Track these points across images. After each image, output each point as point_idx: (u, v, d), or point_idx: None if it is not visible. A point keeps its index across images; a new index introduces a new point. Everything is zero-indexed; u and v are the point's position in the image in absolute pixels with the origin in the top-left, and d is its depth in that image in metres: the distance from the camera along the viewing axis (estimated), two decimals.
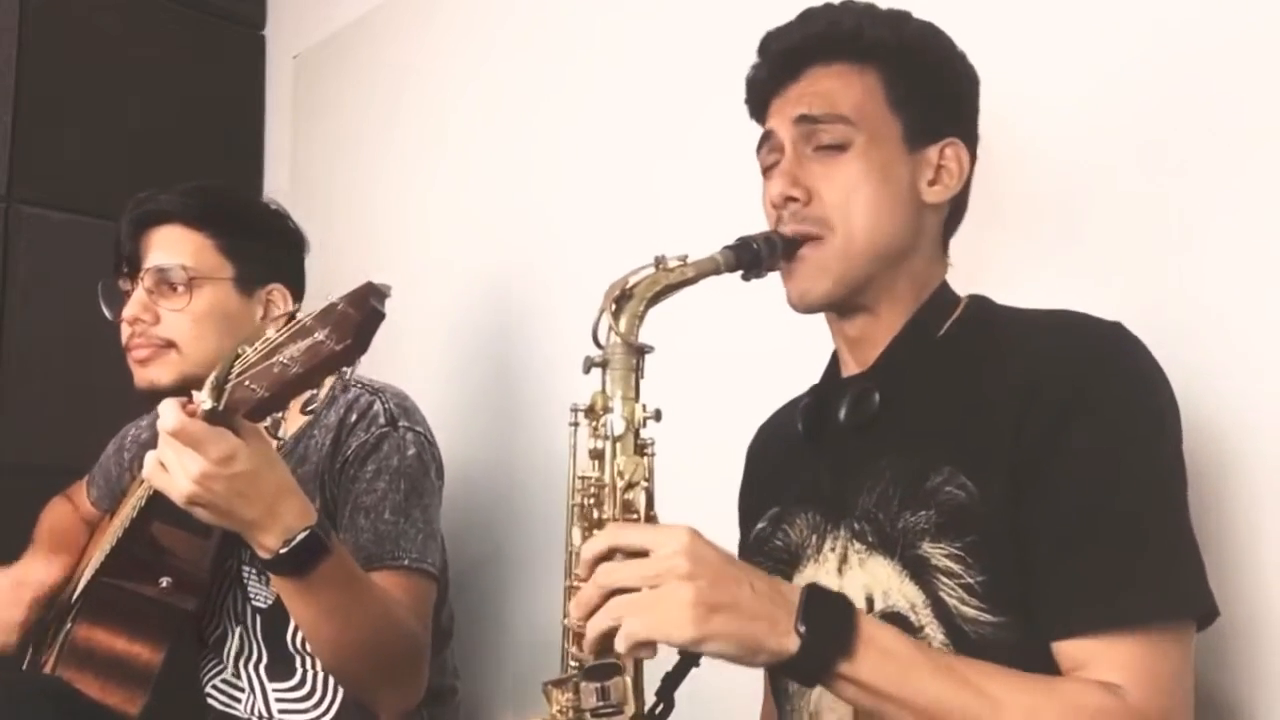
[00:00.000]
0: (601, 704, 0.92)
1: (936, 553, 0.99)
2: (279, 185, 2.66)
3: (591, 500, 0.98)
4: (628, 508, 0.96)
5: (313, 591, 1.24)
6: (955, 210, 1.16)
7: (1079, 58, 1.32)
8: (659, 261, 1.03)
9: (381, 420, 1.53)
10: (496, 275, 2.11)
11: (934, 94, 1.12)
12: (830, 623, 0.89)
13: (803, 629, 0.87)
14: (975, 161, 1.14)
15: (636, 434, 0.98)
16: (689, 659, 1.08)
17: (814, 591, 0.91)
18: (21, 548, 1.81)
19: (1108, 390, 0.96)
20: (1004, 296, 1.14)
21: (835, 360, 1.20)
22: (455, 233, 2.22)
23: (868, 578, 1.04)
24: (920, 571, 1.00)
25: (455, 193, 2.23)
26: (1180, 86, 1.24)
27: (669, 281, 1.03)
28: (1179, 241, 1.23)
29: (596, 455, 0.98)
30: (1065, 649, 0.92)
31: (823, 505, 1.11)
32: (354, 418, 1.53)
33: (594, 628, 0.89)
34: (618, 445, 0.97)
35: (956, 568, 0.97)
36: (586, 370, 1.01)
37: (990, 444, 0.98)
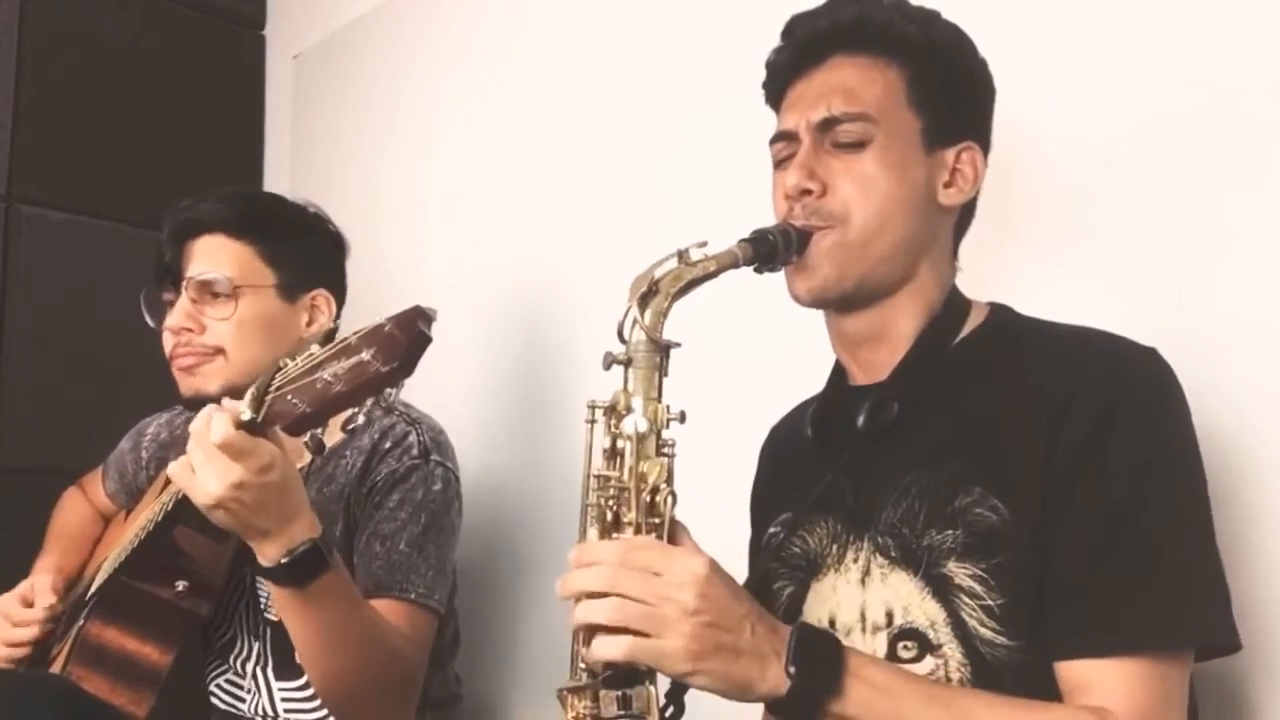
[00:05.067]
0: (623, 713, 0.90)
1: (961, 572, 0.99)
2: (279, 185, 2.66)
3: (611, 501, 0.96)
4: (651, 511, 0.95)
5: (310, 605, 1.24)
6: (964, 215, 1.16)
7: (1088, 60, 1.33)
8: (681, 254, 1.02)
9: (415, 452, 1.53)
10: (498, 275, 2.11)
11: (955, 96, 1.12)
12: (819, 663, 0.89)
13: (792, 670, 0.88)
14: (986, 164, 1.14)
15: (658, 435, 0.97)
16: None
17: (804, 632, 0.91)
18: (21, 547, 1.82)
19: (1144, 417, 0.96)
20: (1011, 301, 1.14)
21: (840, 366, 1.19)
22: (456, 232, 2.22)
23: (889, 593, 1.04)
24: (942, 590, 1.00)
25: (455, 192, 2.23)
26: (1192, 91, 1.24)
27: (693, 276, 1.01)
28: (1189, 247, 1.23)
29: (615, 455, 0.96)
30: (1066, 669, 0.93)
31: (844, 515, 1.10)
32: (388, 444, 1.53)
33: (588, 615, 0.89)
34: (640, 446, 0.95)
35: (979, 589, 0.98)
36: (607, 367, 0.99)
37: (1022, 466, 0.98)
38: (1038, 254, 1.36)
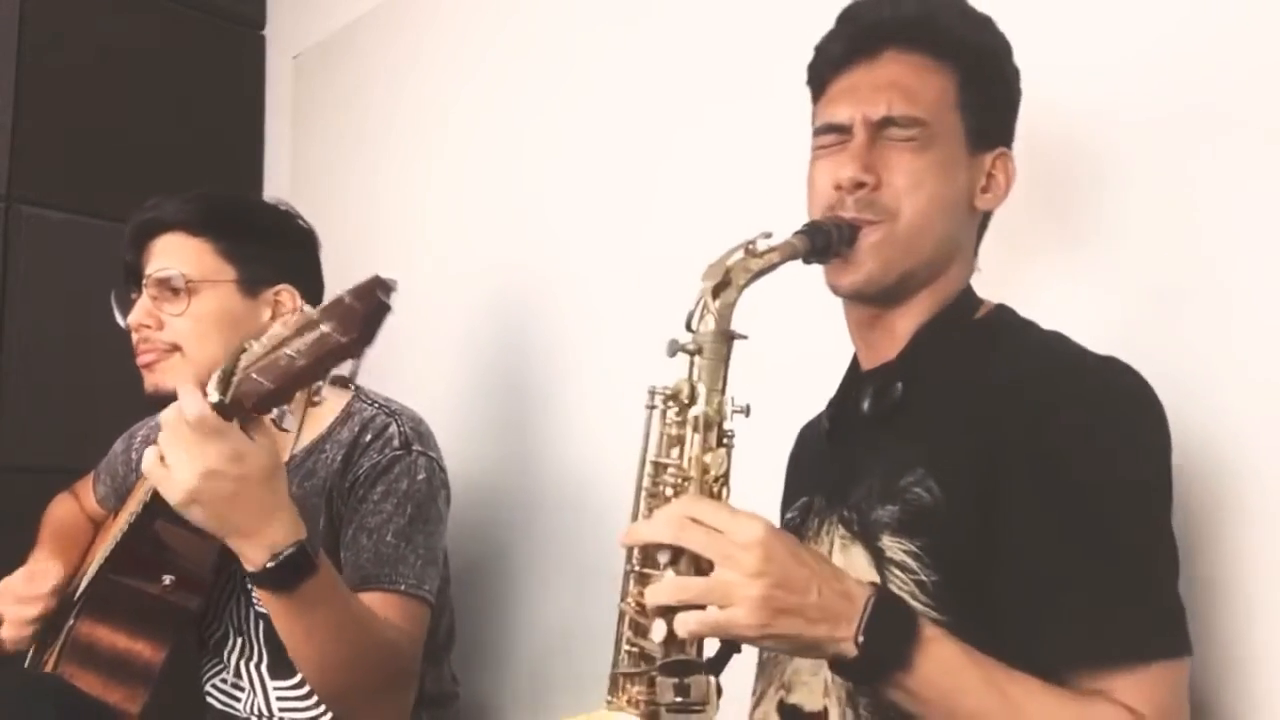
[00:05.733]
0: (680, 700, 0.90)
1: (895, 547, 1.02)
2: (279, 185, 2.66)
3: (669, 489, 0.97)
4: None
5: (298, 607, 1.23)
6: (986, 217, 1.19)
7: (1090, 56, 1.33)
8: (748, 246, 1.02)
9: (396, 443, 1.53)
10: (498, 274, 2.11)
11: (997, 102, 1.14)
12: (891, 636, 0.90)
13: (863, 639, 0.89)
14: None
15: (720, 425, 0.98)
16: (730, 646, 1.08)
17: (881, 601, 0.91)
18: (21, 548, 1.81)
19: (1076, 425, 0.97)
20: (1008, 299, 1.16)
21: (855, 356, 1.22)
22: (456, 232, 2.23)
23: (848, 565, 1.06)
24: (880, 563, 1.03)
25: (456, 192, 2.24)
26: (1193, 88, 1.24)
27: (760, 266, 1.02)
28: (1187, 247, 1.24)
29: (675, 442, 0.97)
30: (1081, 679, 0.94)
31: (828, 492, 1.14)
32: (368, 437, 1.54)
33: (655, 597, 0.89)
34: (705, 435, 0.96)
35: (913, 564, 1.00)
36: (672, 354, 0.99)
37: (961, 455, 1.00)
38: (1035, 252, 1.36)
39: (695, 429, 0.96)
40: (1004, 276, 1.26)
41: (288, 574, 1.19)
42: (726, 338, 0.99)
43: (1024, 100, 1.19)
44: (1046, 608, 0.95)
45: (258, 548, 1.18)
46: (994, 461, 0.98)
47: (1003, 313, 1.14)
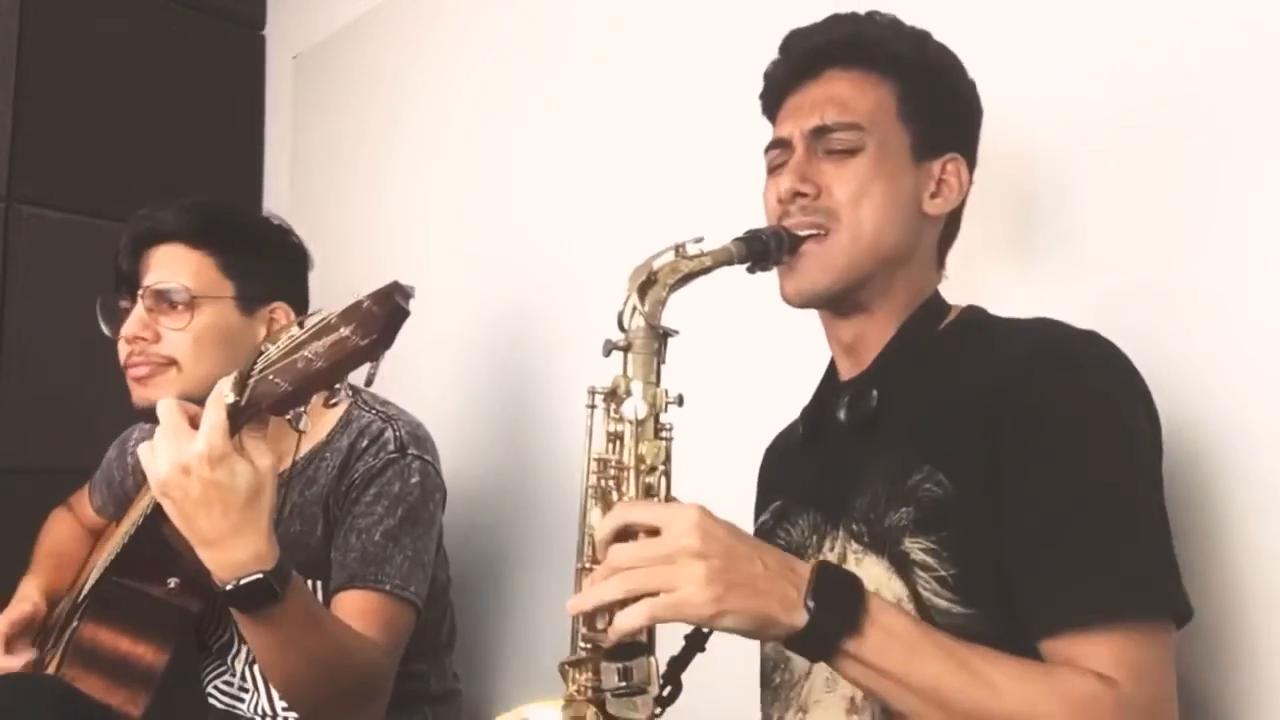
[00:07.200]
0: (623, 684, 0.92)
1: (915, 548, 1.02)
2: (279, 186, 2.67)
3: (611, 483, 0.99)
4: (649, 491, 0.98)
5: (262, 626, 1.20)
6: (951, 224, 1.21)
7: (1069, 59, 1.34)
8: (678, 249, 1.06)
9: (391, 447, 1.53)
10: (499, 274, 2.11)
11: (942, 112, 1.16)
12: (838, 599, 0.91)
13: (811, 604, 0.89)
14: (972, 180, 1.18)
15: (656, 418, 1.00)
16: (695, 643, 1.11)
17: (824, 568, 0.93)
18: (21, 548, 1.82)
19: (1068, 395, 0.99)
20: (987, 301, 1.17)
21: (833, 364, 1.23)
22: (456, 232, 2.23)
23: (863, 577, 1.05)
24: (903, 567, 1.03)
25: (456, 192, 2.24)
26: (1175, 88, 1.24)
27: (689, 269, 1.05)
28: (1168, 245, 1.24)
29: (615, 438, 0.99)
30: (1055, 646, 0.94)
31: (823, 506, 1.14)
32: (365, 443, 1.54)
33: (600, 596, 0.90)
34: (639, 429, 0.98)
35: (932, 561, 1.00)
36: (607, 353, 1.02)
37: (963, 443, 1.01)
38: (1016, 252, 1.37)
39: (630, 423, 0.99)
40: (967, 285, 1.28)
41: (248, 599, 1.16)
42: (655, 333, 1.02)
43: (987, 112, 1.20)
44: (1030, 575, 0.96)
45: (222, 564, 1.14)
46: (990, 442, 0.99)
47: (974, 311, 1.16)
